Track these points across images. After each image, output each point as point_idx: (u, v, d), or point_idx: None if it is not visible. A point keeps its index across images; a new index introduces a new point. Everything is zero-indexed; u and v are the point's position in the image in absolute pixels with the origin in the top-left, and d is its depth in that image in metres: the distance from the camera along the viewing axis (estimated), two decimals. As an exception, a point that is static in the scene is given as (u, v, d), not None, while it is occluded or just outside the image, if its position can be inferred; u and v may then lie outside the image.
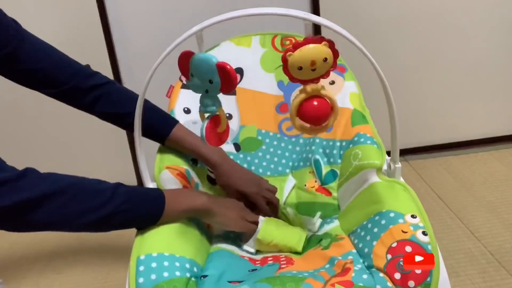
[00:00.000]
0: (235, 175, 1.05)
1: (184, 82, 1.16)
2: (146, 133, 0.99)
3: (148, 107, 1.01)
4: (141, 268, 0.72)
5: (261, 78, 1.25)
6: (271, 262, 0.85)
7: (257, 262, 0.88)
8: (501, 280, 1.29)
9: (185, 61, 0.74)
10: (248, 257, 0.92)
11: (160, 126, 1.02)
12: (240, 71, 1.24)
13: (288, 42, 1.25)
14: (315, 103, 0.75)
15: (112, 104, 0.99)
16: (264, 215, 1.00)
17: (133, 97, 0.99)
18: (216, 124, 0.79)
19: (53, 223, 0.72)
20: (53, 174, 0.73)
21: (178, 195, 0.86)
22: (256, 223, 0.95)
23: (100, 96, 0.97)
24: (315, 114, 0.76)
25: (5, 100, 1.81)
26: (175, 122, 1.04)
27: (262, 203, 1.04)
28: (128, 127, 0.97)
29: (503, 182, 1.77)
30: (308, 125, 0.77)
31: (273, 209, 1.06)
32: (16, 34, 0.89)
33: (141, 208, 0.79)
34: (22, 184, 0.68)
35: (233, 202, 0.97)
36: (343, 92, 1.17)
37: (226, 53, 1.23)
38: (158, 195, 0.83)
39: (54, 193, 0.70)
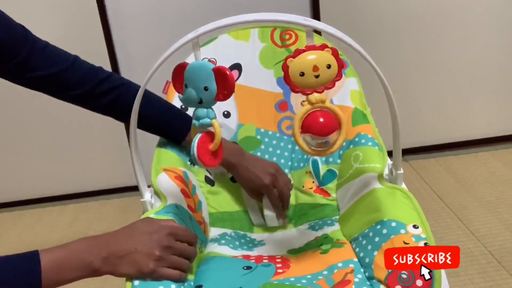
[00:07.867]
0: (250, 175, 1.03)
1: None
2: (163, 132, 0.99)
3: (165, 106, 1.01)
4: (136, 283, 0.71)
5: (260, 75, 1.22)
6: (266, 261, 0.85)
7: (251, 258, 0.87)
8: (501, 280, 1.30)
9: (180, 74, 0.72)
10: (241, 256, 0.91)
11: (177, 126, 1.00)
12: (238, 66, 1.21)
13: (287, 36, 1.22)
14: (321, 112, 0.71)
15: (129, 106, 0.89)
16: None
17: (153, 99, 0.98)
18: (210, 139, 0.72)
19: None
20: None
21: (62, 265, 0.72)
22: None
23: (117, 98, 0.94)
24: (322, 122, 0.71)
25: (4, 101, 1.81)
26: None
27: (274, 197, 1.03)
28: (144, 127, 0.96)
29: (503, 182, 1.77)
30: (313, 141, 0.72)
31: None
32: (25, 41, 0.86)
33: None
34: None
35: None
36: (344, 89, 1.15)
37: (224, 48, 1.20)
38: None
39: None
